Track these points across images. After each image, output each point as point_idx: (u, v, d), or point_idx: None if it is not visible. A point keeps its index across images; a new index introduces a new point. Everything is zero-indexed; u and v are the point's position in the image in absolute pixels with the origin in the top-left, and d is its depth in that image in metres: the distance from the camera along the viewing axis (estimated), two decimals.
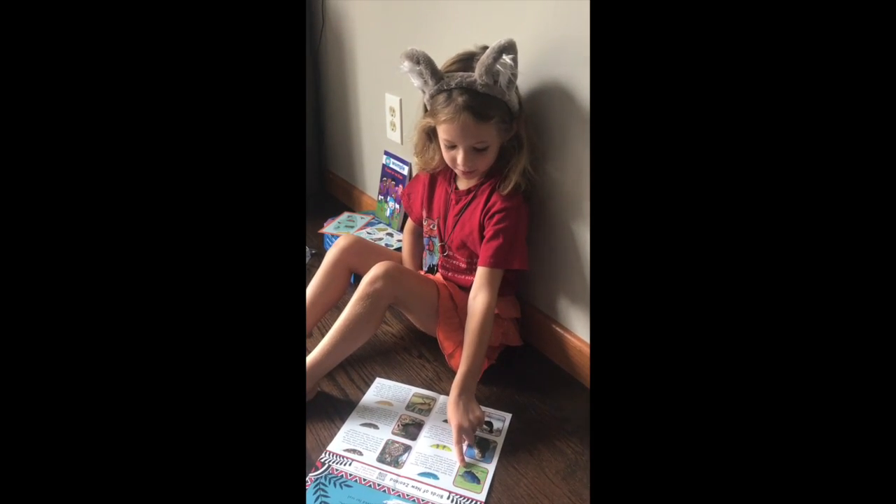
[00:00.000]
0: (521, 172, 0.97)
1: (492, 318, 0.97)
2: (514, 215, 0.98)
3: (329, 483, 0.83)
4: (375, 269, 0.98)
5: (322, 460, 0.87)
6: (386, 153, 1.44)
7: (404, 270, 1.04)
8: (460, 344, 1.02)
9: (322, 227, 1.45)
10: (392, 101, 1.37)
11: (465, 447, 0.89)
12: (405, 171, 1.38)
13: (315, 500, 0.80)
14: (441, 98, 0.92)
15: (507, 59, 0.87)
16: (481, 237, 1.01)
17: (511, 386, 1.01)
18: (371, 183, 1.57)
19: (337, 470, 0.86)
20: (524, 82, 1.00)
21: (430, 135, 1.03)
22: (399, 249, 1.27)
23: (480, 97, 0.90)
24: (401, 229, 1.40)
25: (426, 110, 0.98)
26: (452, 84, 0.91)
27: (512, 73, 0.89)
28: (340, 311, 1.22)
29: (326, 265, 1.10)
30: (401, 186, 1.39)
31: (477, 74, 0.89)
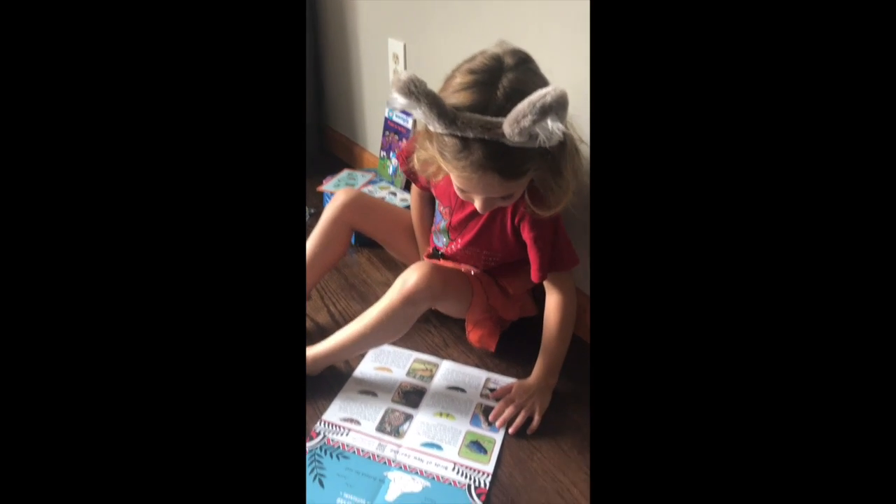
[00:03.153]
0: (563, 206, 0.77)
1: (564, 312, 0.87)
2: (548, 221, 0.82)
3: (325, 454, 0.77)
4: (416, 284, 0.82)
5: (317, 430, 0.81)
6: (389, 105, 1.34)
7: (446, 280, 0.86)
8: (477, 322, 0.95)
9: (321, 185, 1.37)
10: (395, 46, 1.27)
11: (482, 419, 0.83)
12: (409, 124, 1.28)
13: (310, 473, 0.74)
14: (454, 144, 0.69)
15: (551, 125, 0.62)
16: (517, 240, 0.86)
17: (524, 355, 0.93)
18: (373, 139, 1.48)
19: (333, 440, 0.79)
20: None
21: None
22: (406, 207, 1.18)
23: (510, 153, 0.67)
24: (405, 188, 1.31)
25: (426, 131, 0.73)
26: (470, 134, 0.66)
27: (559, 131, 0.64)
28: (341, 272, 1.16)
29: (325, 223, 1.00)
30: (404, 141, 1.30)
31: (507, 132, 0.64)
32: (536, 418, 0.82)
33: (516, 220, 0.85)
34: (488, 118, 0.66)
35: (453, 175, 0.74)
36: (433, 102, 0.66)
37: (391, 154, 1.35)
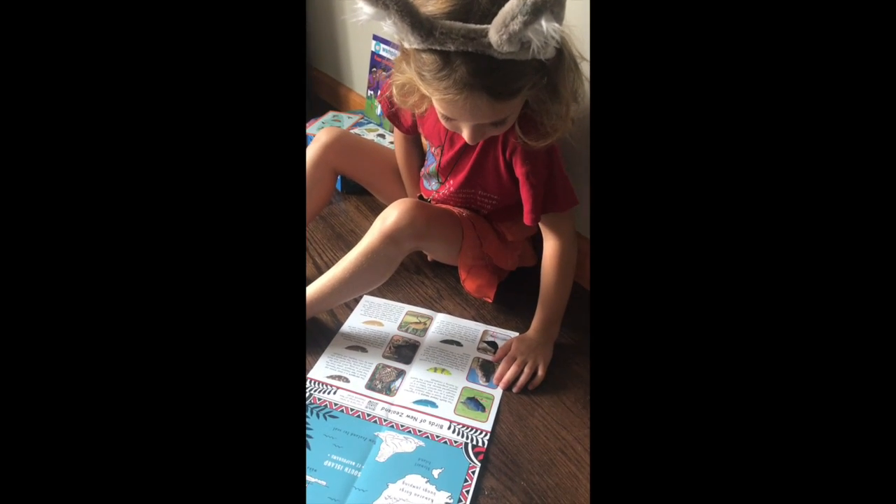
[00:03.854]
0: (561, 132, 0.69)
1: (563, 259, 0.80)
2: (543, 154, 0.74)
3: (311, 414, 0.72)
4: (397, 221, 0.76)
5: None
6: (375, 38, 1.23)
7: (430, 218, 0.80)
8: (471, 268, 0.88)
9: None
10: None
11: (479, 374, 0.78)
12: None
13: None
14: (433, 61, 0.59)
15: (546, 26, 0.53)
16: (511, 178, 0.78)
17: (524, 306, 0.87)
18: (359, 78, 1.37)
19: (320, 399, 0.74)
20: None
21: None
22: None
23: (500, 68, 0.58)
24: (393, 129, 1.22)
25: (403, 51, 0.64)
26: (451, 46, 0.57)
27: (556, 34, 0.54)
28: (326, 221, 1.09)
29: (307, 166, 0.91)
30: None
31: (494, 40, 0.55)
32: (540, 373, 0.77)
33: (507, 154, 0.76)
34: (471, 26, 0.56)
35: (435, 100, 0.64)
36: (405, 10, 0.55)
37: (379, 93, 1.25)
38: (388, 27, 0.57)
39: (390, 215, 0.77)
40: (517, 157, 0.75)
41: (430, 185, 0.91)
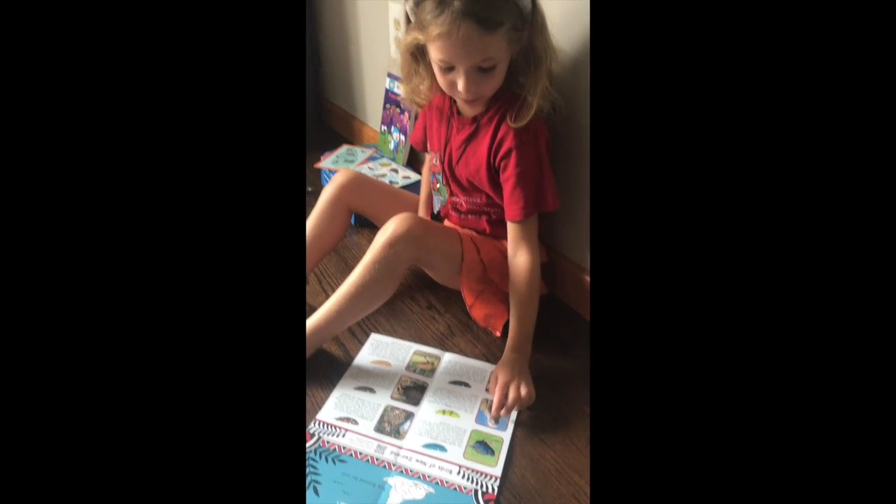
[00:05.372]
0: (540, 95, 0.77)
1: (537, 273, 0.84)
2: (531, 151, 0.81)
3: (320, 458, 0.71)
4: (395, 228, 0.82)
5: (311, 431, 0.75)
6: (390, 76, 1.25)
7: (428, 227, 0.87)
8: (480, 293, 0.89)
9: (318, 161, 1.29)
10: (396, 11, 1.17)
11: (487, 416, 0.78)
12: None
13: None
14: (430, 5, 0.72)
15: None
16: (490, 176, 0.85)
17: (534, 343, 0.87)
18: (373, 113, 1.40)
19: (328, 442, 0.74)
20: None
21: (418, 55, 0.82)
22: (406, 187, 1.14)
23: (485, 1, 0.71)
24: (406, 164, 1.25)
25: (409, 21, 0.78)
26: None
27: None
28: (340, 255, 1.10)
29: (323, 204, 0.97)
30: (406, 114, 1.22)
31: None
32: (524, 392, 0.77)
33: (498, 160, 0.83)
34: None
35: (434, 45, 0.74)
36: None
37: (392, 128, 1.27)
38: None
39: (388, 226, 0.83)
40: (511, 161, 0.81)
41: (439, 197, 0.96)
